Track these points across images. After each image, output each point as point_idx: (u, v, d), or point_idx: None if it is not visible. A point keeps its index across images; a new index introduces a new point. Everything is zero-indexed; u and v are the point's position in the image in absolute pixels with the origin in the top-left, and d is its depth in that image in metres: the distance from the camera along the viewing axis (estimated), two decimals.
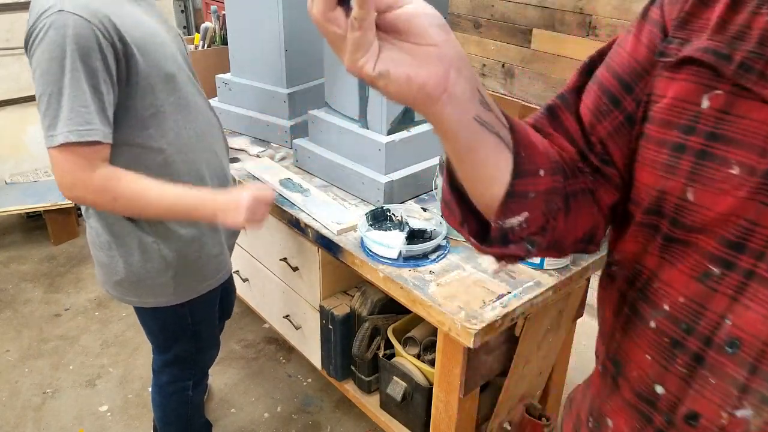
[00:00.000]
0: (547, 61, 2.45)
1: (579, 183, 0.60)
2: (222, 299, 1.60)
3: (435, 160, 1.61)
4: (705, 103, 0.50)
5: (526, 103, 2.55)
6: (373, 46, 0.43)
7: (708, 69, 0.50)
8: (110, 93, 1.08)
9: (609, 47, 0.62)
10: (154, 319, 1.39)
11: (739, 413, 0.51)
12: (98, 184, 1.09)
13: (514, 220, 0.54)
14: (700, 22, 0.52)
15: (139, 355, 2.23)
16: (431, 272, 1.29)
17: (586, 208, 0.61)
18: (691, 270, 0.53)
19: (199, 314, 1.42)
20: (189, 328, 1.42)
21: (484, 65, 2.71)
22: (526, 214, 0.55)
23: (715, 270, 0.51)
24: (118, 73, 1.09)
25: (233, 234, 1.47)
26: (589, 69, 0.63)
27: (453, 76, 0.46)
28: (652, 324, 0.57)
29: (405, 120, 1.58)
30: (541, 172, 0.55)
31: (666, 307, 0.55)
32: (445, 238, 1.38)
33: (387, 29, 0.44)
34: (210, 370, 2.09)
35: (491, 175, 0.52)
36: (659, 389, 0.57)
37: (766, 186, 0.48)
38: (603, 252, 1.39)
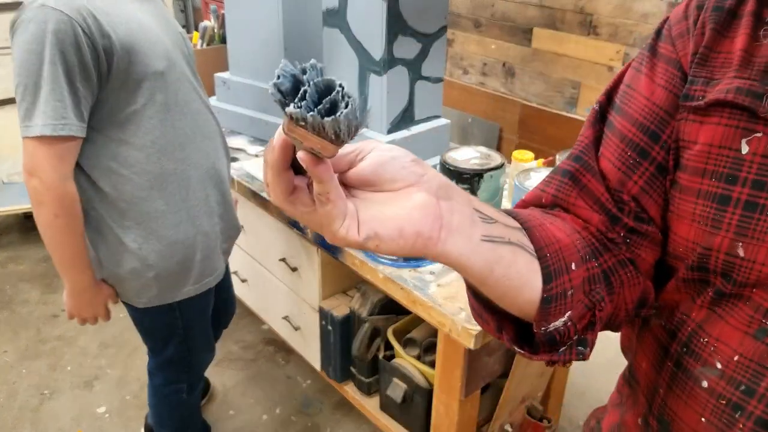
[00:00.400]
0: (548, 60, 2.44)
1: (615, 257, 0.55)
2: (219, 309, 1.59)
3: (435, 160, 1.60)
4: (744, 149, 0.46)
5: (526, 102, 2.54)
6: (350, 211, 0.39)
7: (742, 110, 0.46)
8: (87, 89, 1.10)
9: (615, 87, 0.58)
10: (144, 320, 1.38)
11: None
12: (57, 192, 1.11)
13: (558, 323, 0.50)
14: (722, 56, 0.49)
15: (136, 357, 2.21)
16: (432, 273, 1.28)
17: (630, 279, 0.55)
18: (746, 326, 0.49)
19: (189, 317, 1.40)
20: (180, 330, 1.41)
21: (485, 64, 2.70)
22: (569, 313, 0.51)
23: None
24: (99, 69, 1.11)
25: (229, 238, 1.45)
26: (601, 116, 0.58)
27: (444, 208, 0.42)
28: (704, 383, 0.52)
29: (405, 119, 1.57)
30: (573, 266, 0.51)
31: (719, 366, 0.50)
32: None
33: (357, 185, 0.41)
34: (208, 372, 2.08)
35: (518, 286, 0.48)
36: None
37: None
38: None
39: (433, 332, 1.49)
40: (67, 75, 1.06)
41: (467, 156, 1.41)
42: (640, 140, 0.53)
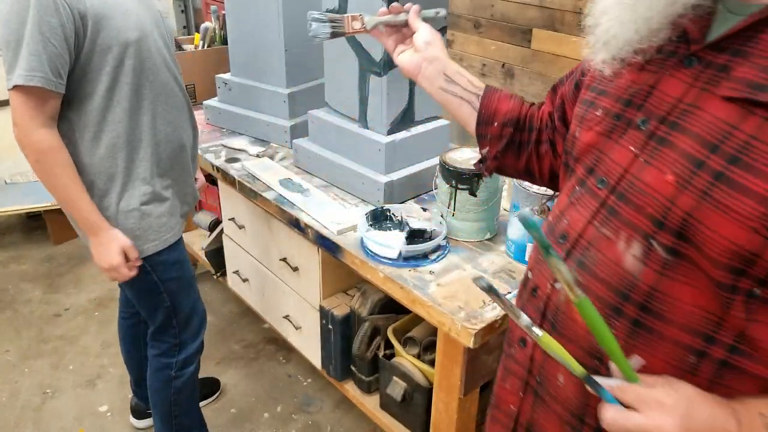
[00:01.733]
0: (547, 61, 2.45)
1: (528, 135, 0.91)
2: None
3: (435, 160, 1.61)
4: (607, 71, 0.72)
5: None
6: (402, 44, 0.98)
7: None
8: (64, 49, 1.20)
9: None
10: (126, 283, 1.43)
11: (557, 285, 0.73)
12: (32, 139, 1.22)
13: (484, 151, 0.95)
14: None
15: None
16: (431, 272, 1.29)
17: (545, 153, 0.91)
18: (569, 191, 0.76)
19: (162, 275, 1.46)
20: (158, 287, 1.47)
21: (484, 65, 2.71)
22: (486, 148, 0.94)
23: (577, 188, 0.73)
24: (76, 39, 1.22)
25: (185, 204, 1.53)
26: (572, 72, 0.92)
27: (424, 65, 0.94)
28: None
29: (405, 120, 1.58)
30: (495, 123, 0.92)
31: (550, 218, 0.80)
32: (445, 238, 1.38)
33: (407, 39, 0.98)
34: (209, 370, 2.09)
35: (465, 122, 0.95)
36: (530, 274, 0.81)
37: (616, 125, 0.68)
38: None
39: (433, 331, 1.50)
40: (46, 33, 1.17)
41: (467, 156, 1.43)
42: (573, 73, 0.88)
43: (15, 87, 1.18)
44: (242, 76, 1.97)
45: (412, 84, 1.55)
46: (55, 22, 1.17)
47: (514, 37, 2.53)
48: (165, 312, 1.52)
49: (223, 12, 2.25)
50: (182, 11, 3.56)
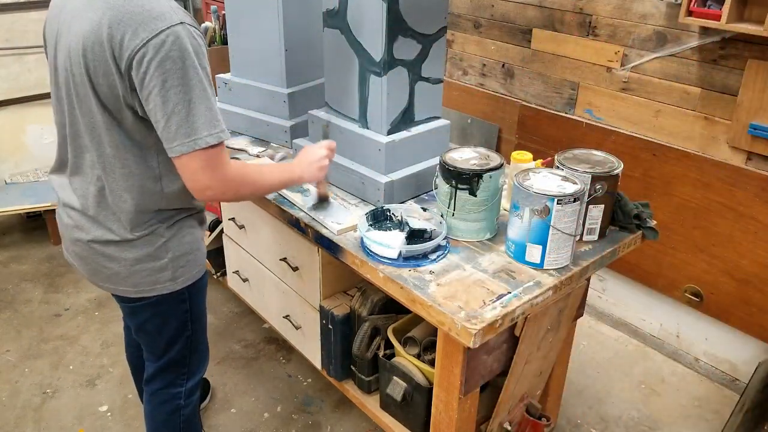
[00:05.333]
0: (547, 61, 2.45)
1: None
2: None
3: (435, 160, 1.61)
4: None
5: (525, 103, 2.54)
6: None
7: None
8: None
9: None
10: (155, 315, 1.37)
11: None
12: (234, 174, 1.19)
13: None
14: None
15: None
16: (431, 272, 1.29)
17: None
18: None
19: (196, 304, 1.41)
20: (186, 316, 1.40)
21: (484, 65, 2.71)
22: None
23: None
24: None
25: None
26: None
27: None
28: None
29: (405, 120, 1.58)
30: None
31: None
32: (445, 238, 1.39)
33: None
34: (209, 371, 2.09)
35: None
36: None
37: None
38: (603, 251, 1.38)
39: (433, 331, 1.50)
40: (208, 82, 1.15)
41: (467, 156, 1.43)
42: None
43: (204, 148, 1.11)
44: (242, 76, 1.97)
45: (412, 84, 1.56)
46: (206, 64, 1.13)
47: (514, 37, 2.53)
48: (184, 341, 1.44)
49: (223, 12, 2.25)
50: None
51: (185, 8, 3.57)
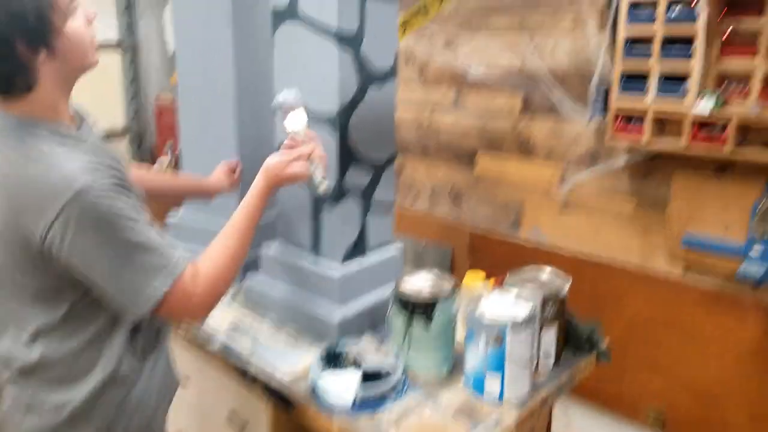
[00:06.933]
0: (490, 185, 2.56)
1: None
2: None
3: (390, 286, 1.60)
4: None
5: (473, 228, 2.61)
6: None
7: None
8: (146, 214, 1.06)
9: None
10: None
11: None
12: (205, 288, 1.09)
13: None
14: None
15: None
16: (389, 420, 1.23)
17: None
18: None
19: None
20: None
21: (433, 190, 2.81)
22: None
23: None
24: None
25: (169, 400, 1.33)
26: None
27: None
28: None
29: (357, 248, 1.60)
30: None
31: None
32: (404, 373, 1.35)
33: None
34: None
35: None
36: None
37: None
38: (561, 377, 1.36)
39: None
40: (138, 217, 1.06)
41: (420, 282, 1.42)
42: None
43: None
44: (195, 213, 1.97)
45: (364, 212, 1.59)
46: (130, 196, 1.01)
47: (460, 161, 2.66)
48: None
49: (178, 150, 2.31)
50: (138, 147, 3.62)
51: (140, 145, 3.61)
